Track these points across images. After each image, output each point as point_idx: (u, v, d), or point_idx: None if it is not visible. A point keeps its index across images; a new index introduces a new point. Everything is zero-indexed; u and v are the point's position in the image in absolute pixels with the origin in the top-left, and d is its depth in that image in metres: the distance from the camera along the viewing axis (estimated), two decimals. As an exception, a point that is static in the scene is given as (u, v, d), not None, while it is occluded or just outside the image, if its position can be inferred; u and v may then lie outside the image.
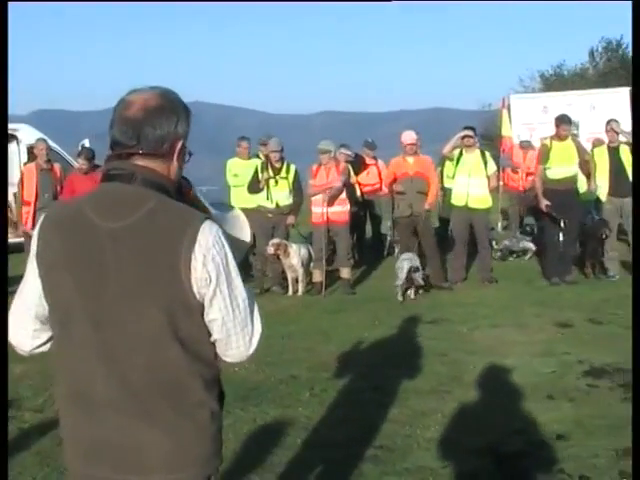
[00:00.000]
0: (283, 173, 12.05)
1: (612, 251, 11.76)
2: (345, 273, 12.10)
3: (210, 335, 2.43)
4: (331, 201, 11.79)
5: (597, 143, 14.19)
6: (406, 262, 10.95)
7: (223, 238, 2.40)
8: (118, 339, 2.34)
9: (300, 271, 11.86)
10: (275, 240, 11.74)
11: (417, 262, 11.06)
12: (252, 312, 2.48)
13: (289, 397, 6.78)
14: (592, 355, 7.63)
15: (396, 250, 14.44)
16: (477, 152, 12.27)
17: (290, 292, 11.98)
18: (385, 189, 13.75)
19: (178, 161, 2.51)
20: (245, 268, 12.25)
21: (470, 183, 12.00)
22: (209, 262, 2.33)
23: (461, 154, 12.20)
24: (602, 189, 11.74)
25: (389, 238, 14.70)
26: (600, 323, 9.09)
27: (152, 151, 2.42)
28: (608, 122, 12.10)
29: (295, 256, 11.73)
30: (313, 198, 12.03)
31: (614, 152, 11.70)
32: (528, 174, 14.87)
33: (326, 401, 6.59)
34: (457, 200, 12.18)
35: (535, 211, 14.37)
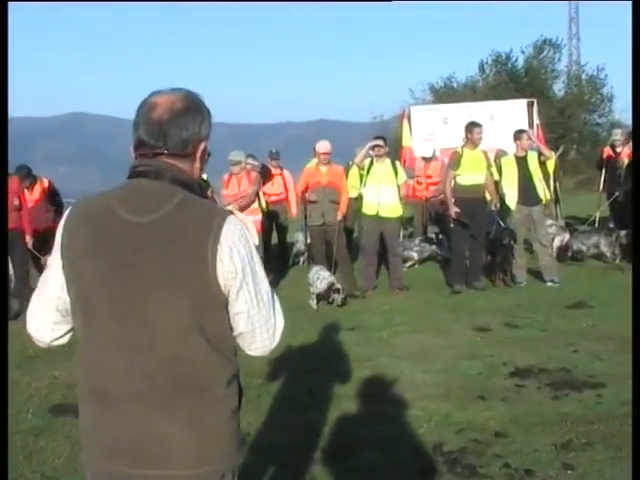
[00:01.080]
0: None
1: (520, 258, 12.09)
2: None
3: (233, 330, 2.47)
4: (242, 211, 11.79)
5: (501, 154, 14.61)
6: (327, 276, 11.13)
7: (247, 233, 2.44)
8: (142, 332, 2.35)
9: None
10: None
11: (333, 278, 11.26)
12: (274, 305, 2.53)
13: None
14: (515, 357, 7.87)
15: (301, 259, 14.53)
16: (387, 161, 12.45)
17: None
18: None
19: (200, 162, 2.56)
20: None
21: (381, 192, 12.15)
22: (235, 255, 2.38)
23: (372, 164, 12.35)
24: (511, 198, 12.03)
25: (295, 248, 14.80)
26: (517, 327, 9.35)
27: (178, 151, 2.48)
28: (520, 132, 12.40)
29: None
30: (225, 208, 11.99)
31: (522, 161, 12.02)
32: (430, 184, 15.18)
33: (263, 407, 6.61)
34: (368, 209, 12.32)
35: (440, 219, 14.69)
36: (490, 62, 40.34)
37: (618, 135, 15.20)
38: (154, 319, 2.34)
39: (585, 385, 6.80)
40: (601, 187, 15.40)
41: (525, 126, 17.23)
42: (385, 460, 5.42)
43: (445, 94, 38.94)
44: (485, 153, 12.40)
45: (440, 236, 14.65)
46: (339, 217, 12.15)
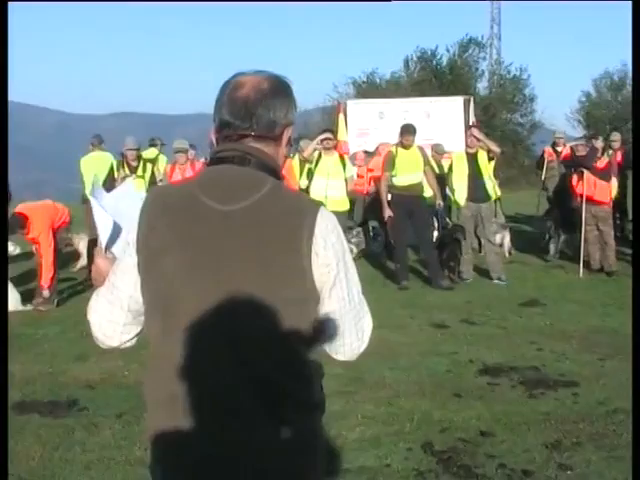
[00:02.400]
0: (139, 172, 11.72)
1: (467, 255, 12.13)
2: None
3: (321, 330, 2.28)
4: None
5: (438, 149, 14.68)
6: None
7: (339, 226, 2.29)
8: (232, 333, 2.15)
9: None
10: None
11: None
12: (364, 305, 2.36)
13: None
14: (480, 355, 7.84)
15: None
16: (336, 155, 12.38)
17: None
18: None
19: (286, 148, 2.40)
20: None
21: (329, 185, 12.05)
22: (330, 248, 2.22)
23: (320, 157, 12.24)
24: (460, 194, 12.05)
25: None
26: (474, 323, 9.35)
27: (265, 134, 2.30)
28: (469, 128, 12.47)
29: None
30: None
31: (472, 158, 12.05)
32: (372, 178, 15.10)
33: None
34: (315, 202, 12.18)
35: (379, 215, 14.66)
36: (415, 58, 40.59)
37: (561, 134, 15.42)
38: (243, 319, 2.15)
39: (558, 384, 6.80)
40: (542, 185, 15.51)
41: (461, 123, 17.35)
42: (377, 461, 5.29)
43: (368, 89, 39.00)
44: (421, 149, 12.40)
45: (374, 230, 14.65)
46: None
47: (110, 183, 11.57)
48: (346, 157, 12.78)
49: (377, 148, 15.90)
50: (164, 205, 2.25)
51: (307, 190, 12.45)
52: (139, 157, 11.79)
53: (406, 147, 11.96)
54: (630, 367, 7.05)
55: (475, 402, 6.44)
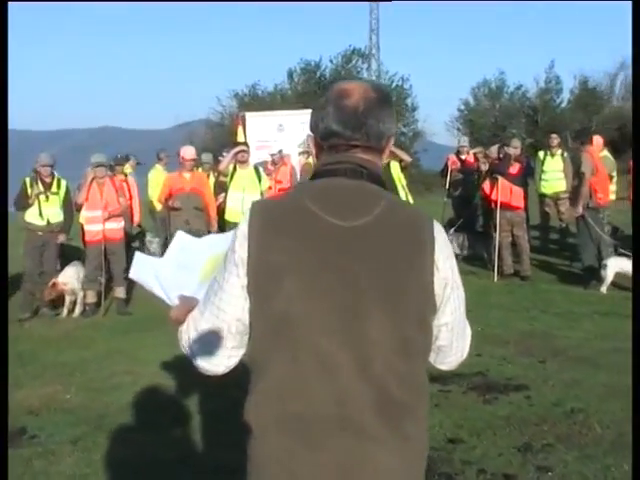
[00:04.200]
0: (54, 188, 11.37)
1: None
2: (120, 293, 11.63)
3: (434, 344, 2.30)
4: (110, 218, 11.31)
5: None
6: None
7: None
8: (353, 352, 2.09)
9: (80, 294, 11.36)
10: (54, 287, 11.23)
11: None
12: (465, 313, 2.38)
13: (149, 421, 6.46)
14: (423, 363, 7.89)
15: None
16: (251, 168, 12.30)
17: (64, 314, 11.33)
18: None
19: (386, 159, 2.37)
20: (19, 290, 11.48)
21: (245, 199, 11.94)
22: (447, 260, 2.21)
23: (235, 170, 12.15)
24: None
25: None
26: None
27: (373, 145, 2.26)
28: None
29: (76, 280, 11.20)
30: (89, 215, 11.41)
31: (385, 169, 12.10)
32: (281, 190, 15.07)
33: (193, 423, 6.31)
34: (232, 216, 12.05)
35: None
36: (299, 70, 40.78)
37: (466, 142, 15.75)
38: (368, 337, 2.09)
39: (508, 388, 6.94)
40: (446, 193, 15.79)
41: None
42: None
43: (251, 102, 38.94)
44: None
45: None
46: (213, 226, 11.86)
47: (24, 200, 11.22)
48: (261, 169, 12.70)
49: (282, 158, 15.88)
50: (277, 221, 2.15)
51: (223, 205, 12.39)
52: (53, 173, 11.42)
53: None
54: (573, 367, 7.36)
55: (432, 409, 6.50)
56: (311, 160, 12.56)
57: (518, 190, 12.50)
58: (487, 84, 41.38)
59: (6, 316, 8.96)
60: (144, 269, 2.82)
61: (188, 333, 2.29)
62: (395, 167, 12.13)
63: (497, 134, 36.54)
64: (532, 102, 40.19)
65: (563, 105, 39.97)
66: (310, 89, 39.07)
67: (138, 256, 2.95)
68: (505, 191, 12.39)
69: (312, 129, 2.31)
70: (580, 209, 11.48)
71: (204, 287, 2.41)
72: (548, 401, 6.55)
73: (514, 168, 12.64)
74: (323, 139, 2.26)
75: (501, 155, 12.77)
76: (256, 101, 38.90)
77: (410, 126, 40.66)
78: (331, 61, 40.96)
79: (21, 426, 6.44)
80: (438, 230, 2.22)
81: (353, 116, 2.21)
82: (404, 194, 12.23)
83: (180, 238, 3.00)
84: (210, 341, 2.23)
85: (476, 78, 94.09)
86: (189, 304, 2.45)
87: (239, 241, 2.16)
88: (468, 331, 2.43)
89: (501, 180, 12.38)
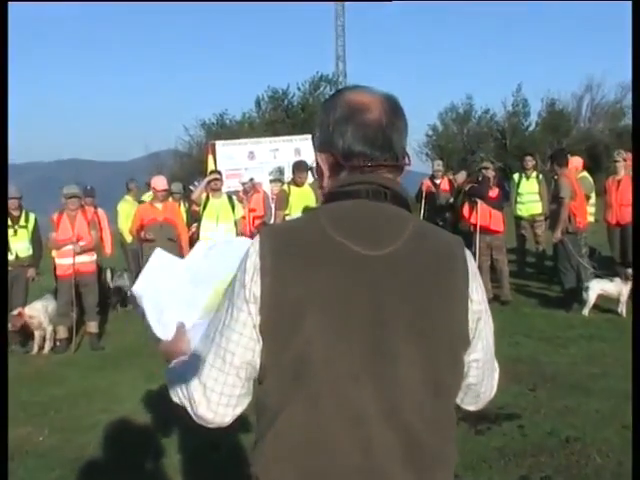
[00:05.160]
0: (22, 222, 11.08)
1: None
2: (92, 327, 11.34)
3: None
4: (81, 252, 11.02)
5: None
6: None
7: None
8: (382, 397, 1.85)
9: (49, 329, 11.00)
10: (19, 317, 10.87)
11: None
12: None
13: (126, 462, 6.17)
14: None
15: (130, 305, 13.58)
16: (224, 196, 12.08)
17: (35, 350, 10.97)
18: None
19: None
20: None
21: (218, 229, 11.73)
22: (479, 290, 1.99)
23: (208, 199, 11.91)
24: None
25: (128, 291, 13.85)
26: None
27: (400, 163, 2.03)
28: None
29: (43, 314, 10.83)
30: (61, 249, 11.08)
31: None
32: (255, 217, 14.80)
33: (173, 462, 6.05)
34: (204, 248, 11.82)
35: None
36: (267, 98, 40.63)
37: (440, 166, 15.59)
38: (398, 380, 1.86)
39: (500, 417, 6.72)
40: (421, 218, 15.63)
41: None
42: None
43: (219, 131, 38.72)
44: (313, 187, 12.31)
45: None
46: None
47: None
48: (234, 198, 12.46)
49: (254, 186, 15.64)
50: (294, 250, 1.88)
51: (195, 235, 12.12)
52: (21, 206, 11.14)
53: (299, 185, 11.85)
54: (563, 394, 7.17)
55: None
56: (286, 187, 12.34)
57: (497, 214, 12.36)
58: (455, 109, 41.45)
59: (6, 313, 8.64)
60: (153, 283, 2.49)
61: (185, 379, 2.01)
62: None
63: (465, 158, 36.61)
64: (500, 125, 40.32)
65: (531, 128, 40.13)
66: (278, 117, 38.95)
67: (160, 254, 2.58)
68: (484, 214, 12.25)
69: (322, 148, 2.04)
70: (559, 234, 11.36)
71: (204, 321, 2.17)
72: (542, 430, 6.35)
73: (493, 192, 12.51)
74: (344, 159, 1.99)
75: (479, 178, 12.65)
76: (224, 130, 38.66)
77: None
78: (299, 88, 40.87)
79: (-8, 472, 6.11)
80: (470, 257, 2.02)
81: (379, 134, 1.97)
82: None
83: (203, 246, 2.64)
84: (216, 388, 1.95)
85: (443, 104, 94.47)
86: (185, 340, 2.23)
87: (249, 274, 1.89)
88: (496, 366, 2.20)
89: (480, 204, 12.24)
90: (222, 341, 1.92)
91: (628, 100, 38.65)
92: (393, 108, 2.02)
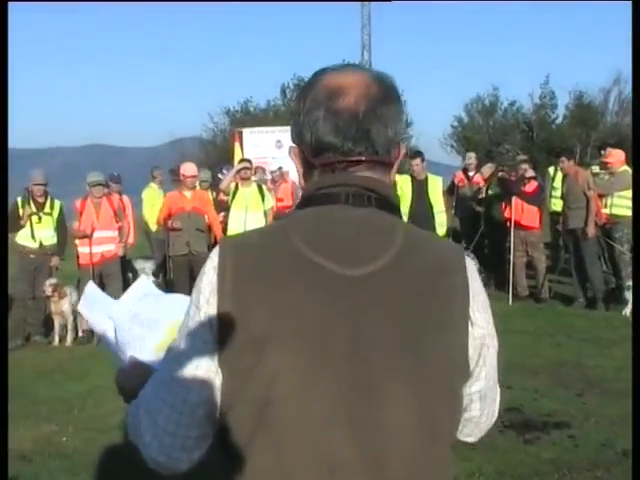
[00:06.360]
0: (47, 209, 10.79)
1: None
2: (117, 317, 11.00)
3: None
4: (106, 240, 10.74)
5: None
6: None
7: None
8: (367, 445, 1.52)
9: (70, 318, 10.68)
10: (52, 280, 10.49)
11: None
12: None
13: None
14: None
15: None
16: (254, 185, 11.76)
17: (56, 342, 10.69)
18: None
19: (395, 172, 1.75)
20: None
21: (247, 219, 11.40)
22: (482, 311, 1.63)
23: (237, 188, 11.58)
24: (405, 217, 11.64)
25: (152, 279, 13.59)
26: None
27: (381, 158, 1.65)
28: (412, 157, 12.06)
29: (67, 301, 10.51)
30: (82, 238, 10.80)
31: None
32: (282, 207, 14.45)
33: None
34: (234, 237, 11.51)
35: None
36: (292, 86, 40.22)
37: (472, 159, 15.18)
38: (384, 425, 1.52)
39: (548, 426, 6.38)
40: (452, 210, 15.22)
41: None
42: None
43: (242, 118, 38.44)
44: None
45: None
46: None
47: (15, 222, 10.63)
48: (264, 187, 12.12)
49: (282, 175, 15.32)
50: (256, 268, 1.55)
51: (223, 225, 11.77)
52: (46, 193, 10.85)
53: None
54: (613, 402, 6.79)
55: (468, 452, 5.91)
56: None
57: (532, 209, 12.02)
58: (480, 100, 40.99)
59: (6, 314, 8.34)
60: (97, 306, 2.26)
61: (137, 416, 1.68)
62: (435, 184, 11.73)
63: (491, 150, 36.15)
64: (527, 118, 39.82)
65: (558, 121, 39.63)
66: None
67: (90, 288, 2.35)
68: (517, 209, 11.90)
69: (295, 140, 1.71)
70: (592, 228, 10.99)
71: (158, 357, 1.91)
72: (595, 441, 5.98)
73: (530, 186, 12.15)
74: (314, 155, 1.66)
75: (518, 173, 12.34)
76: (248, 117, 38.37)
77: (405, 142, 40.19)
78: (326, 76, 40.44)
79: (12, 475, 5.78)
80: (472, 270, 1.65)
81: (354, 122, 1.61)
82: (443, 223, 11.71)
83: (143, 284, 2.36)
84: (167, 429, 1.62)
85: (469, 94, 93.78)
86: (141, 372, 1.90)
87: (205, 295, 1.58)
88: (498, 393, 1.83)
89: (514, 199, 11.88)
90: (176, 374, 1.60)
91: (658, 94, 38.06)
92: (380, 91, 1.65)
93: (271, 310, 1.51)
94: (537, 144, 36.66)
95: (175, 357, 1.62)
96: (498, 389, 1.83)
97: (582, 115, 37.64)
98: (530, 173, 12.45)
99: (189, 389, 1.57)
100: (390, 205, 1.65)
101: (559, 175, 13.87)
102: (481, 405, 1.73)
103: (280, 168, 15.12)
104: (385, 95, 1.64)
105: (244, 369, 1.51)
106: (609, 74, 52.81)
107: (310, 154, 1.65)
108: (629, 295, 10.57)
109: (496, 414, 1.84)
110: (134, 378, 1.91)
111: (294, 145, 1.73)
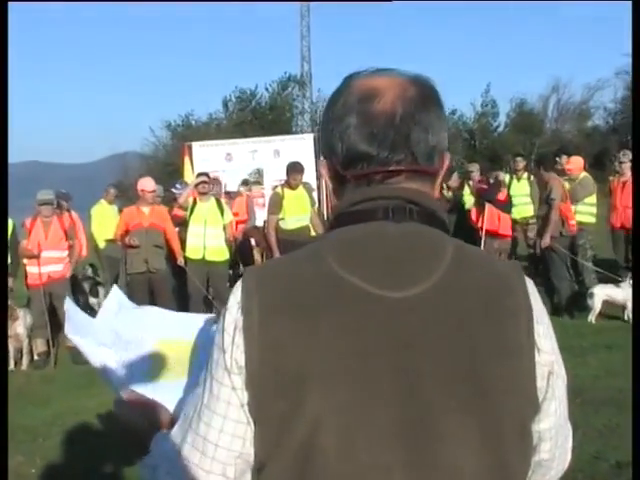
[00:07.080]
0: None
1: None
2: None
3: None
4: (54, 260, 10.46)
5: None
6: None
7: None
8: None
9: (25, 341, 10.32)
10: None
11: None
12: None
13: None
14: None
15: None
16: (212, 200, 11.53)
17: (11, 366, 10.27)
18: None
19: (441, 182, 1.58)
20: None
21: (207, 234, 11.18)
22: (548, 335, 1.45)
23: (195, 203, 11.35)
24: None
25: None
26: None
27: (424, 167, 1.46)
28: None
29: (21, 323, 10.15)
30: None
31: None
32: (238, 222, 14.21)
33: None
34: (193, 253, 11.27)
35: (248, 262, 13.86)
36: (234, 99, 40.03)
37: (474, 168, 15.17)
38: (445, 468, 1.33)
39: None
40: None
41: (312, 161, 16.98)
42: None
43: (184, 132, 38.18)
44: (307, 189, 11.88)
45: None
46: (180, 262, 11.03)
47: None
48: (222, 201, 11.91)
49: (238, 190, 15.18)
50: (289, 301, 1.37)
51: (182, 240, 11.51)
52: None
53: (293, 187, 11.32)
54: (597, 411, 6.68)
55: None
56: (279, 190, 11.80)
57: (506, 217, 11.99)
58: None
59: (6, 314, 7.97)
60: (84, 330, 2.11)
61: (155, 477, 1.49)
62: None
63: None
64: (469, 126, 40.20)
65: (500, 129, 40.10)
66: (246, 117, 38.41)
67: (70, 309, 2.15)
68: (492, 218, 11.85)
69: (324, 152, 1.53)
70: (548, 239, 10.99)
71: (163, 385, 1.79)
72: (587, 453, 5.82)
73: (502, 194, 12.13)
74: (346, 167, 1.46)
75: (491, 181, 12.30)
76: (190, 131, 38.11)
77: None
78: (267, 89, 40.36)
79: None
80: (533, 290, 1.47)
81: (390, 128, 1.42)
82: None
83: (116, 294, 2.22)
84: None
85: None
86: (137, 403, 1.77)
87: (229, 334, 1.38)
88: (571, 432, 1.64)
89: (488, 207, 11.83)
90: (200, 427, 1.41)
91: (594, 101, 38.82)
92: (419, 94, 1.46)
93: (306, 346, 1.33)
94: (480, 152, 37.00)
95: (201, 407, 1.42)
96: (570, 428, 1.63)
97: (524, 122, 38.12)
98: (502, 177, 12.45)
99: (217, 445, 1.38)
100: (436, 219, 1.45)
101: (515, 182, 13.90)
102: (551, 446, 1.52)
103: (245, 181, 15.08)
104: (425, 98, 1.47)
105: (280, 417, 1.33)
106: (547, 81, 53.59)
107: (342, 166, 1.46)
108: (592, 302, 10.61)
109: (568, 459, 1.63)
110: (129, 410, 1.79)
111: (323, 160, 1.53)
